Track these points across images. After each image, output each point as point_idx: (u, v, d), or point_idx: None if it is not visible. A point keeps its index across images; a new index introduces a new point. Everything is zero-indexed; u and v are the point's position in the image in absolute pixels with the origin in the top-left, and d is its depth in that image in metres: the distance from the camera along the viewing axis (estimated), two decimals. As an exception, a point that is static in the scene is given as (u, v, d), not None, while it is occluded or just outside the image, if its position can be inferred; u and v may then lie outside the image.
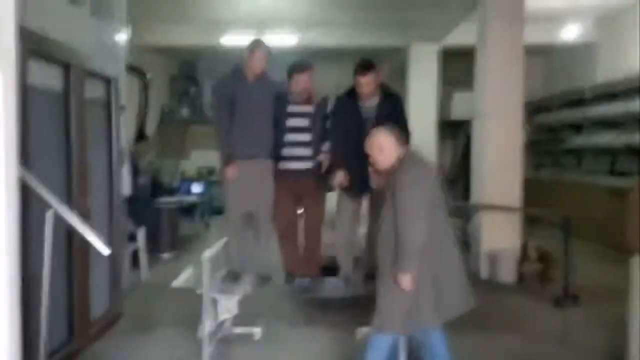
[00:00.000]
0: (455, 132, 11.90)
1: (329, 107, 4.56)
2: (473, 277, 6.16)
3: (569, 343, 4.39)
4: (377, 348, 3.12)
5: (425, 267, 2.98)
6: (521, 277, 6.01)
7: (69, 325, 3.81)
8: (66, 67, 3.80)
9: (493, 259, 6.18)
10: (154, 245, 6.87)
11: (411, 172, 3.04)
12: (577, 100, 9.36)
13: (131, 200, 5.48)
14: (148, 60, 8.62)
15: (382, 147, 3.14)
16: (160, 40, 9.71)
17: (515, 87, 6.35)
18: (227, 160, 4.22)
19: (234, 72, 4.35)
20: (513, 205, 6.24)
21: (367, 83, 4.19)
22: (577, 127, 9.53)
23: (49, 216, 2.93)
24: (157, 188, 7.43)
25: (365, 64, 4.24)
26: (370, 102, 4.27)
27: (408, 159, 3.12)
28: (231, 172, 4.20)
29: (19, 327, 2.34)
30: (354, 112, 4.26)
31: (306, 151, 4.51)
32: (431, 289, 3.02)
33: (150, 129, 8.96)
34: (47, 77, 3.64)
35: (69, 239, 3.75)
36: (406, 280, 2.94)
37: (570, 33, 9.46)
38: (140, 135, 7.41)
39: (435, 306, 3.04)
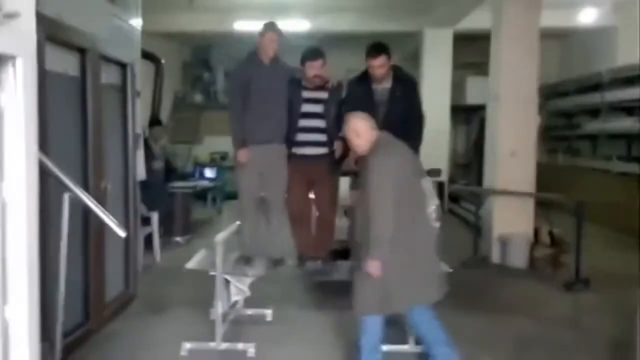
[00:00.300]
0: (468, 117, 11.85)
1: (344, 91, 4.57)
2: (485, 261, 6.21)
3: (579, 327, 4.41)
4: (369, 332, 3.20)
5: (397, 253, 3.03)
6: (533, 262, 6.02)
7: (85, 307, 3.90)
8: (82, 52, 3.85)
9: (505, 243, 6.18)
10: (167, 229, 6.97)
11: (381, 156, 3.11)
12: (594, 85, 9.25)
13: (145, 185, 5.55)
14: (161, 47, 8.66)
15: (359, 131, 3.21)
16: (173, 27, 9.75)
17: (530, 72, 6.30)
18: (240, 144, 4.25)
19: (249, 56, 4.36)
20: (526, 190, 6.23)
21: (378, 66, 4.19)
22: (593, 112, 9.43)
23: (65, 199, 2.99)
24: (171, 173, 7.50)
25: (377, 47, 4.23)
26: (383, 85, 4.27)
27: (380, 143, 3.19)
28: (244, 156, 4.23)
29: (38, 308, 2.41)
30: (366, 95, 4.26)
31: (320, 137, 4.53)
32: (401, 274, 3.07)
33: (164, 114, 9.04)
34: (64, 62, 3.69)
35: (85, 221, 3.83)
36: (374, 267, 3.03)
37: (588, 17, 9.32)
38: (155, 121, 7.48)
39: (404, 292, 3.10)
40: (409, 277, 3.10)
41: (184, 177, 8.82)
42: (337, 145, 4.49)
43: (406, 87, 4.35)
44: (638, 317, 3.62)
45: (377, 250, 3.02)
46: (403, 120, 4.26)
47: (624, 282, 4.81)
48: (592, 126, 9.36)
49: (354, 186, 3.97)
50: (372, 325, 3.20)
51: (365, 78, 4.37)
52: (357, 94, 4.42)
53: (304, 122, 4.48)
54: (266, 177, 4.27)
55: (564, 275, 5.58)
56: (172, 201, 7.11)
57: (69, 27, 3.64)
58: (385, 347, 3.70)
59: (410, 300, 3.17)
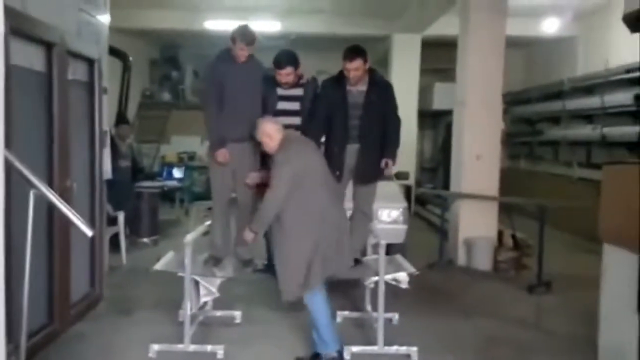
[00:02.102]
0: (435, 122, 12.04)
1: (318, 87, 4.52)
2: (450, 263, 6.32)
3: (541, 328, 4.53)
4: (316, 310, 3.54)
5: (308, 234, 3.48)
6: (497, 264, 6.15)
7: (49, 307, 3.80)
8: (48, 47, 3.76)
9: (470, 246, 6.31)
10: (134, 230, 6.86)
11: (285, 152, 3.60)
12: (556, 93, 9.52)
13: (111, 184, 5.45)
14: (128, 43, 8.53)
15: (271, 134, 3.69)
16: (141, 24, 9.61)
17: (495, 78, 6.47)
18: (218, 144, 4.15)
19: (222, 54, 4.29)
20: (490, 194, 6.37)
21: (354, 68, 4.19)
22: (554, 119, 9.71)
23: (31, 197, 2.91)
24: (137, 172, 7.37)
25: (354, 50, 4.24)
26: (358, 87, 4.27)
27: (286, 142, 3.66)
28: (223, 156, 4.13)
29: (3, 308, 2.35)
30: (340, 96, 4.25)
31: None
32: (314, 253, 3.47)
33: (131, 113, 8.90)
34: (29, 56, 3.59)
35: (50, 220, 3.74)
36: (250, 236, 3.67)
37: (550, 27, 9.60)
38: (121, 119, 7.35)
39: (317, 269, 3.48)
40: (320, 254, 3.48)
41: (151, 176, 8.68)
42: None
43: (382, 90, 4.36)
44: (598, 318, 3.76)
45: (259, 224, 3.62)
46: (381, 123, 4.30)
47: (585, 285, 4.96)
48: (553, 133, 9.64)
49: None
50: (317, 302, 3.53)
51: (339, 79, 4.37)
52: (331, 95, 4.39)
53: (279, 120, 4.44)
54: (238, 176, 4.22)
55: (527, 277, 5.73)
56: (139, 201, 7.00)
57: (35, 20, 3.55)
58: (354, 349, 3.76)
59: (322, 275, 3.52)
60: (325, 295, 3.58)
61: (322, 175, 3.67)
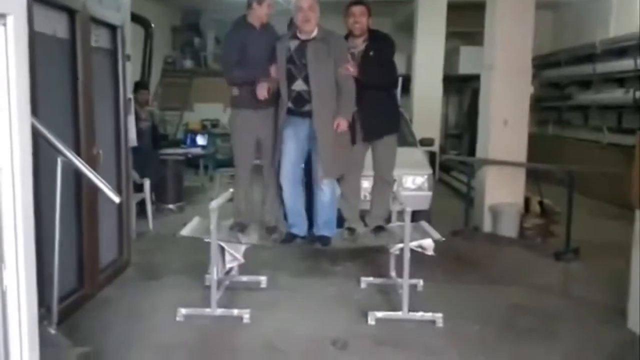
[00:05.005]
0: (460, 87, 11.80)
1: None
2: (476, 230, 6.27)
3: (569, 295, 4.49)
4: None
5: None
6: (523, 231, 6.08)
7: (79, 273, 3.88)
8: (71, 14, 3.74)
9: (496, 213, 6.23)
10: (160, 197, 6.93)
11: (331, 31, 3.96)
12: (587, 56, 9.21)
13: (136, 152, 5.48)
14: (150, 10, 8.47)
15: (313, 7, 3.82)
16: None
17: (525, 41, 6.26)
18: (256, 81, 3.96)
19: (239, 23, 4.21)
20: (518, 161, 6.26)
21: (360, 13, 4.15)
22: (585, 83, 9.43)
23: (59, 164, 2.94)
24: (161, 140, 7.41)
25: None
26: (359, 49, 4.19)
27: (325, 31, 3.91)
28: (262, 87, 3.94)
29: (35, 273, 2.39)
30: None
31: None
32: None
33: (153, 80, 8.90)
34: (53, 23, 3.59)
35: (78, 188, 3.78)
36: (346, 125, 3.88)
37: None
38: (140, 84, 7.35)
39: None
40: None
41: (175, 144, 8.73)
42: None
43: (380, 45, 4.25)
44: (628, 285, 3.70)
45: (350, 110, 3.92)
46: (383, 77, 4.23)
47: (613, 252, 4.90)
48: (583, 97, 9.37)
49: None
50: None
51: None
52: None
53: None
54: (263, 143, 4.19)
55: (554, 244, 5.65)
56: (164, 168, 7.06)
57: (57, -13, 3.53)
58: (379, 314, 3.77)
59: None
60: None
61: None
